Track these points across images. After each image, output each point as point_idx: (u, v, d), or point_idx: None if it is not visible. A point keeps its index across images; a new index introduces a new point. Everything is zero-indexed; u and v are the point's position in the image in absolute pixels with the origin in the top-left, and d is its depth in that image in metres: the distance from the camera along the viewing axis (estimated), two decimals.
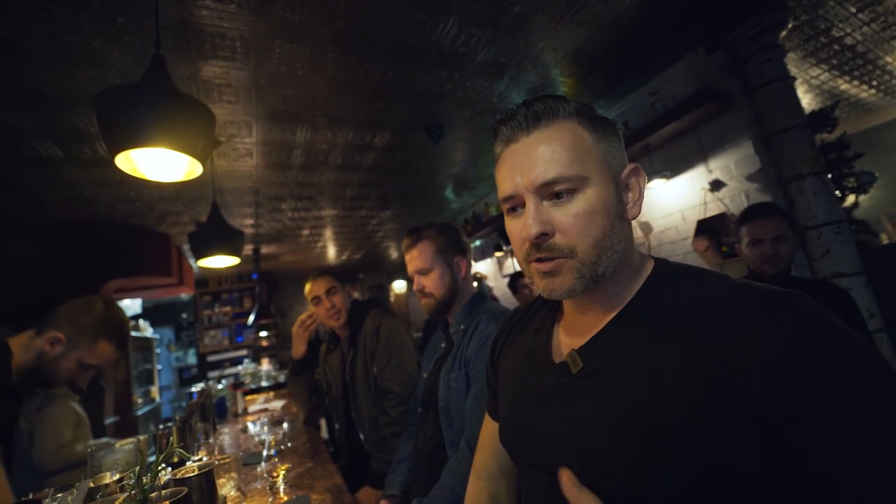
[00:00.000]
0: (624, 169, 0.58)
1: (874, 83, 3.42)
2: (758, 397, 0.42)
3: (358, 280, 8.74)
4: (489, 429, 0.81)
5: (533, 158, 0.55)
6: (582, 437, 0.53)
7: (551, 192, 0.54)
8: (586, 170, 0.54)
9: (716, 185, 2.40)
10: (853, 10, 2.35)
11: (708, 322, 0.48)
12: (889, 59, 3.04)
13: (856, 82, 3.34)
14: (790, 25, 2.15)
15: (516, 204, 0.58)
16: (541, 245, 0.55)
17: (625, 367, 0.52)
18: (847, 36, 2.61)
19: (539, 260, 0.56)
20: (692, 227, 2.56)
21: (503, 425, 0.70)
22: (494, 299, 4.25)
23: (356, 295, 2.00)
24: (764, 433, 0.41)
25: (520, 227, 0.56)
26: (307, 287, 1.93)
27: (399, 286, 8.74)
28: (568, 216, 0.54)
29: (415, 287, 1.34)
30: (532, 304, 0.79)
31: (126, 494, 0.83)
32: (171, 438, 1.40)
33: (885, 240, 3.88)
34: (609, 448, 0.50)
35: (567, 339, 0.63)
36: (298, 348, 2.07)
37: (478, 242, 5.33)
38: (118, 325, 1.40)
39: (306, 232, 5.09)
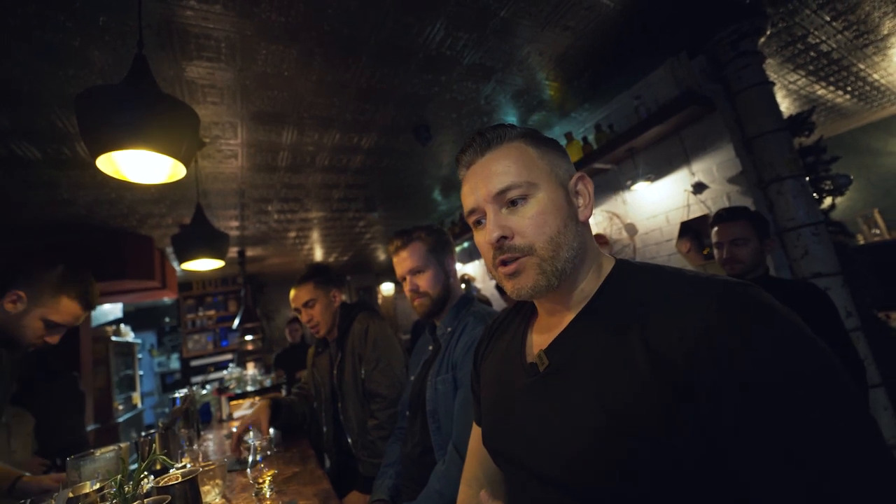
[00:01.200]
0: (572, 177, 0.65)
1: (848, 89, 3.53)
2: (690, 376, 0.44)
3: (345, 282, 8.68)
4: (477, 436, 0.81)
5: (488, 174, 0.63)
6: (551, 433, 0.55)
7: (507, 199, 0.61)
8: (534, 177, 0.61)
9: (698, 188, 2.45)
10: (828, 18, 2.43)
11: (656, 310, 0.51)
12: (862, 66, 3.14)
13: (831, 88, 3.44)
14: (768, 32, 2.20)
15: (480, 216, 0.64)
16: (503, 247, 0.61)
17: (582, 360, 0.55)
18: (822, 43, 2.69)
19: (504, 263, 0.61)
20: (676, 228, 2.60)
21: (485, 428, 0.72)
22: (487, 301, 4.25)
23: (343, 298, 1.97)
24: (695, 413, 0.44)
25: (485, 236, 0.62)
26: (291, 293, 1.90)
27: (387, 288, 8.71)
28: (524, 219, 0.60)
29: (408, 288, 1.32)
30: (511, 309, 0.81)
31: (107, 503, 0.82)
32: (154, 445, 1.38)
33: (860, 241, 4.00)
34: (572, 440, 0.52)
35: (538, 339, 0.67)
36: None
37: (465, 245, 5.33)
38: (80, 283, 1.37)
39: (293, 234, 5.04)
